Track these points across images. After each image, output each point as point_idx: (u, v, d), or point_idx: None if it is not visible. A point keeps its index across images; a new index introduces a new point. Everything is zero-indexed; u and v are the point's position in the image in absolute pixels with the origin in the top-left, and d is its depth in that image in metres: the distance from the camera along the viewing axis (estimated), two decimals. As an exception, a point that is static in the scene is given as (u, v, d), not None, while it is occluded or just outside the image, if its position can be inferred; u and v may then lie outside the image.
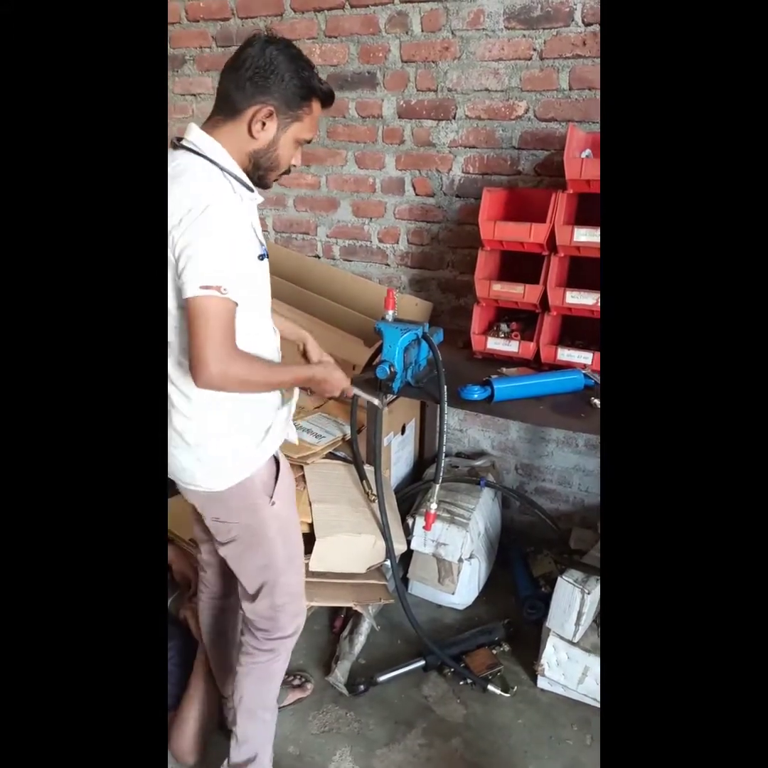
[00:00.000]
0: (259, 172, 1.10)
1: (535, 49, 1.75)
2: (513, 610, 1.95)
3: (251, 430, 1.16)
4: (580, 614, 1.59)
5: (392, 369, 1.47)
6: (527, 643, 1.81)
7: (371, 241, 2.21)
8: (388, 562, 1.74)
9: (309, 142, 1.13)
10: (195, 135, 1.04)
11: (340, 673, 1.71)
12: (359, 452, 1.79)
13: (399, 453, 2.11)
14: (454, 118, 1.92)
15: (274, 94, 1.02)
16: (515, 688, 1.71)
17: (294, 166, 1.14)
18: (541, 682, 1.71)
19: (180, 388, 1.09)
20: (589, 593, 1.58)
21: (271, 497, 1.20)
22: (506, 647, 1.83)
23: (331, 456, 1.82)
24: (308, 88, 1.06)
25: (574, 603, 1.59)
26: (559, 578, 1.63)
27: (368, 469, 1.77)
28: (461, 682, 1.73)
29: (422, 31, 1.87)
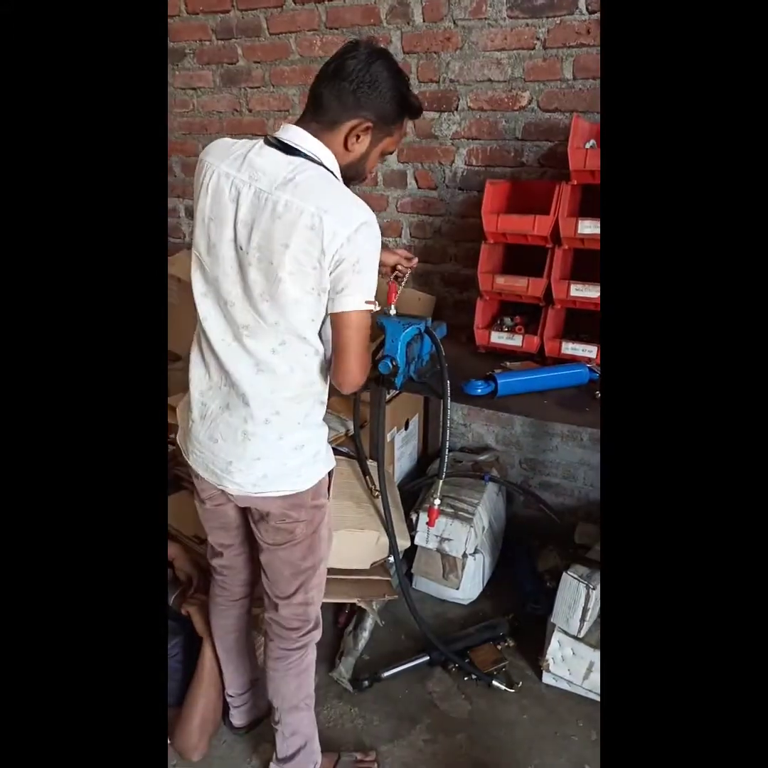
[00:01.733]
0: (344, 182, 1.09)
1: (538, 38, 1.73)
2: (517, 605, 1.95)
3: (323, 426, 1.22)
4: (585, 610, 1.58)
5: (395, 364, 1.45)
6: (532, 639, 1.80)
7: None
8: (391, 558, 1.74)
9: (391, 153, 1.15)
10: (313, 143, 1.02)
11: (344, 669, 1.71)
12: (362, 448, 1.78)
13: (402, 448, 2.10)
14: (456, 109, 1.90)
15: (374, 109, 1.02)
16: (520, 683, 1.71)
17: (370, 173, 1.16)
18: (546, 678, 1.71)
19: (288, 393, 1.10)
20: (594, 589, 1.57)
21: (329, 495, 1.26)
22: (511, 643, 1.82)
23: (334, 452, 1.81)
24: (405, 106, 1.07)
25: (579, 598, 1.58)
26: (563, 573, 1.62)
27: (371, 465, 1.76)
28: (466, 678, 1.73)
29: (424, 21, 1.84)
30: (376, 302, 1.05)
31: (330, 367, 1.12)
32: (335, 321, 1.04)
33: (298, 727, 1.38)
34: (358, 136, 1.04)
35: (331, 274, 0.99)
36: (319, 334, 1.09)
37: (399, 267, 1.47)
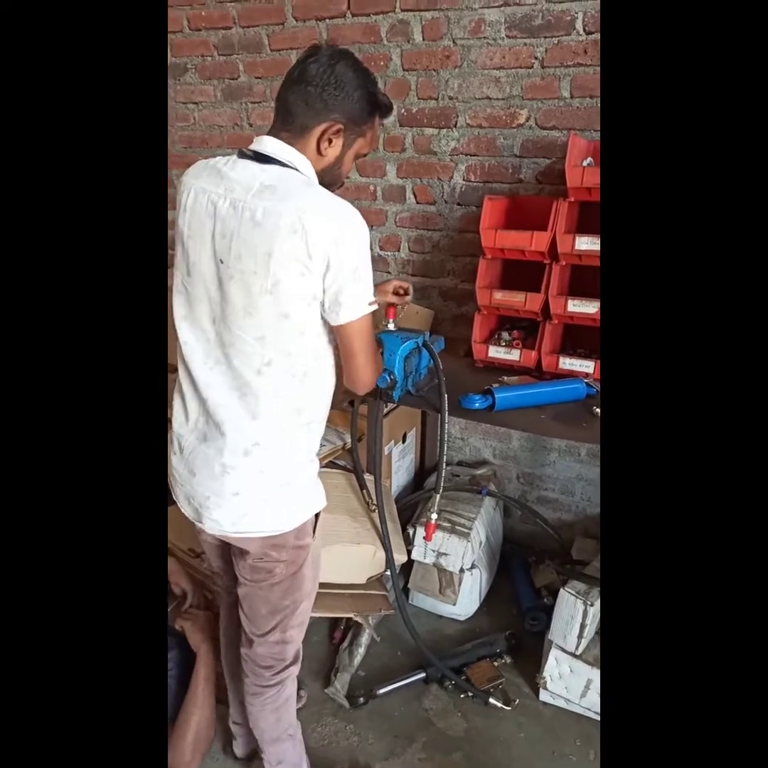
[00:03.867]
0: None
1: (536, 58, 1.75)
2: (515, 621, 1.94)
3: (313, 461, 1.14)
4: (582, 626, 1.57)
5: (392, 377, 1.45)
6: (529, 655, 1.78)
7: (372, 249, 2.19)
8: (388, 573, 1.73)
9: (366, 155, 1.12)
10: (287, 151, 1.00)
11: (339, 686, 1.69)
12: (359, 461, 1.78)
13: (400, 462, 2.10)
14: (455, 126, 1.92)
15: (343, 110, 1.00)
16: (517, 701, 1.69)
17: (347, 178, 1.13)
18: (544, 696, 1.69)
19: (271, 421, 1.03)
20: (591, 605, 1.56)
21: (313, 533, 1.16)
22: (508, 659, 1.81)
23: (331, 465, 1.81)
24: (374, 104, 1.05)
25: (576, 615, 1.57)
26: (561, 590, 1.61)
27: (368, 478, 1.76)
28: (462, 695, 1.71)
29: (423, 39, 1.87)
30: (376, 299, 1.03)
31: (323, 386, 1.09)
32: (342, 331, 1.00)
33: (283, 756, 1.35)
34: (330, 140, 1.01)
35: (325, 282, 0.95)
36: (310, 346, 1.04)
37: (396, 303, 1.49)
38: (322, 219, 0.91)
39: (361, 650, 1.78)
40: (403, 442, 2.09)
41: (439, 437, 1.52)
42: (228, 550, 1.22)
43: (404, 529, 1.91)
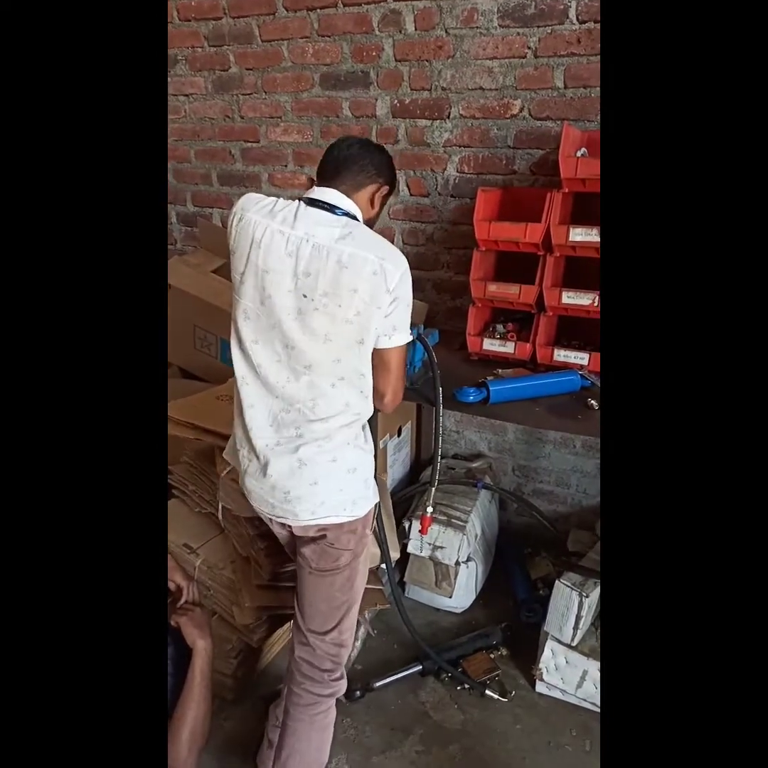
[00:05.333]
0: None
1: (529, 47, 1.74)
2: (511, 613, 1.94)
3: (371, 452, 1.27)
4: (578, 618, 1.58)
5: (387, 371, 1.45)
6: (525, 647, 1.79)
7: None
8: (384, 566, 1.73)
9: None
10: (349, 203, 1.16)
11: (336, 679, 1.69)
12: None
13: (395, 456, 2.09)
14: (448, 117, 1.91)
15: (385, 176, 1.22)
16: (513, 692, 1.70)
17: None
18: (540, 687, 1.70)
19: (339, 422, 1.18)
20: (586, 596, 1.56)
21: (371, 527, 1.31)
22: (504, 651, 1.81)
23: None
24: (394, 177, 1.27)
25: (572, 606, 1.58)
26: (556, 581, 1.61)
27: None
28: (459, 687, 1.72)
29: (416, 29, 1.85)
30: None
31: (371, 398, 1.21)
32: (388, 353, 1.16)
33: None
34: (380, 198, 1.22)
35: (388, 312, 1.11)
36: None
37: None
38: (394, 266, 1.10)
39: (358, 644, 1.79)
40: (399, 435, 2.09)
41: (434, 431, 1.52)
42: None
43: (400, 523, 1.91)
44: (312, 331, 1.12)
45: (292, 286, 1.11)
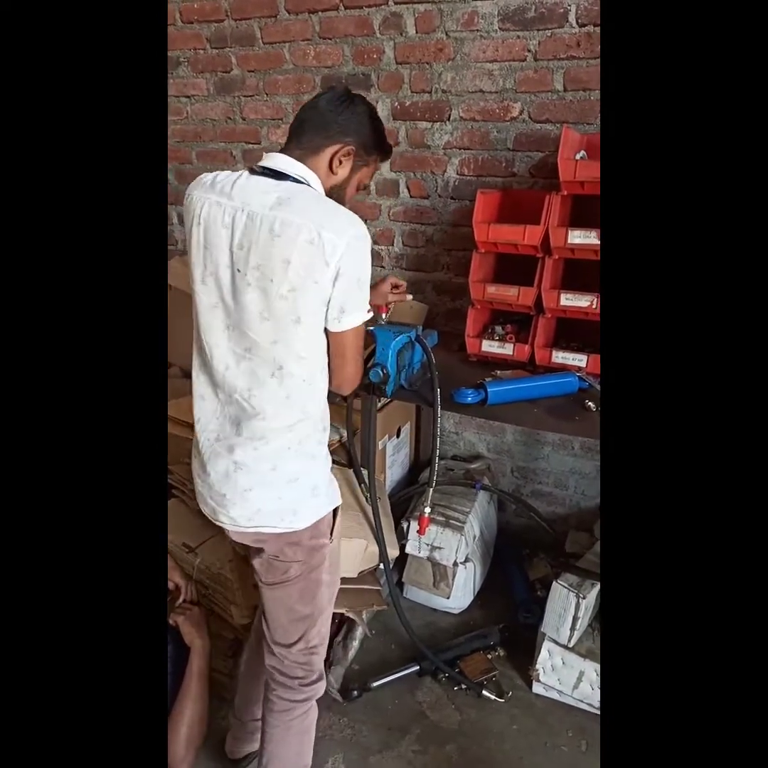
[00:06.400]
0: None
1: (529, 51, 1.74)
2: (508, 614, 1.94)
3: (324, 458, 1.18)
4: (575, 619, 1.58)
5: (385, 372, 1.45)
6: (523, 648, 1.79)
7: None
8: (381, 567, 1.73)
9: (365, 188, 1.23)
10: (299, 168, 1.06)
11: (333, 679, 1.70)
12: (356, 456, 1.78)
13: (394, 456, 2.10)
14: (448, 119, 1.91)
15: (355, 136, 1.09)
16: (510, 693, 1.70)
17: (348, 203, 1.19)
18: (536, 688, 1.70)
19: (279, 422, 1.08)
20: (584, 598, 1.57)
21: (331, 535, 1.19)
22: (501, 652, 1.82)
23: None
24: (380, 141, 1.15)
25: (569, 607, 1.58)
26: (554, 582, 1.62)
27: (365, 473, 1.76)
28: (456, 688, 1.72)
29: (416, 32, 1.86)
30: (370, 306, 1.09)
31: (324, 387, 1.13)
32: (339, 336, 1.06)
33: None
34: (341, 161, 1.09)
35: (334, 290, 1.00)
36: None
37: (397, 301, 1.55)
38: (336, 234, 0.97)
39: (355, 644, 1.79)
40: (398, 436, 2.09)
41: (432, 432, 1.53)
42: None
43: (398, 524, 1.92)
44: (247, 309, 1.02)
45: (228, 260, 1.02)
